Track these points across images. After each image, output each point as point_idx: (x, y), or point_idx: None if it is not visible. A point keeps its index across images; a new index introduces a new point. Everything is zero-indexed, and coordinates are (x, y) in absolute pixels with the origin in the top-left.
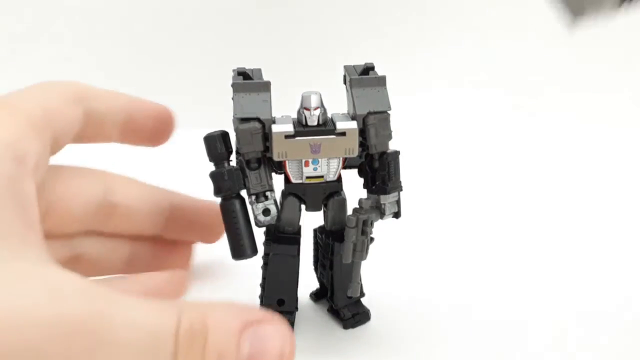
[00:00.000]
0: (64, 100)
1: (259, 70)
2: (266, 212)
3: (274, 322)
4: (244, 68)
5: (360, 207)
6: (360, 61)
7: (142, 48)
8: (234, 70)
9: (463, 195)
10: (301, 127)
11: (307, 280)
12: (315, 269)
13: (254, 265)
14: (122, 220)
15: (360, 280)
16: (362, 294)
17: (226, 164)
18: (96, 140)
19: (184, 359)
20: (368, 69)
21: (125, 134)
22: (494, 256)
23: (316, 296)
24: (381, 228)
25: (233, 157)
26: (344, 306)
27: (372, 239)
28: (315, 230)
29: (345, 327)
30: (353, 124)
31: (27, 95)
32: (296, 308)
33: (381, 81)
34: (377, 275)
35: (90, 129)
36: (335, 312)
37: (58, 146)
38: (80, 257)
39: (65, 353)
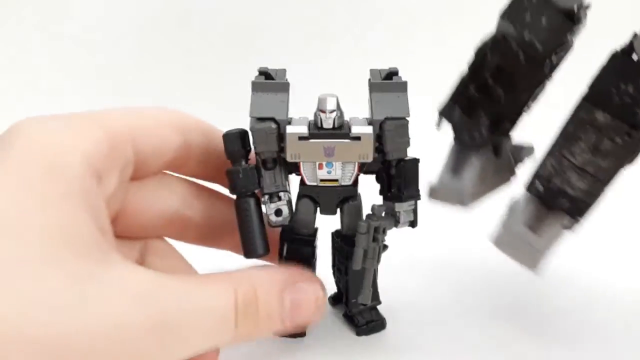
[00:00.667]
0: (159, 123)
1: (283, 71)
2: (278, 212)
3: (308, 278)
4: (267, 68)
5: (373, 213)
6: (392, 64)
7: (159, 54)
8: (258, 70)
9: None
10: (316, 130)
11: (327, 284)
12: (334, 273)
13: None
14: (192, 232)
15: (376, 287)
16: (379, 302)
17: (243, 162)
18: (187, 172)
19: (243, 326)
20: (392, 74)
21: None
22: (513, 265)
23: (334, 300)
24: (402, 236)
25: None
26: (359, 312)
27: (385, 247)
28: (332, 234)
29: (358, 334)
30: (369, 129)
31: (120, 114)
32: None
33: (402, 87)
34: (397, 283)
35: (188, 161)
36: (350, 318)
37: (149, 168)
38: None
39: (153, 348)
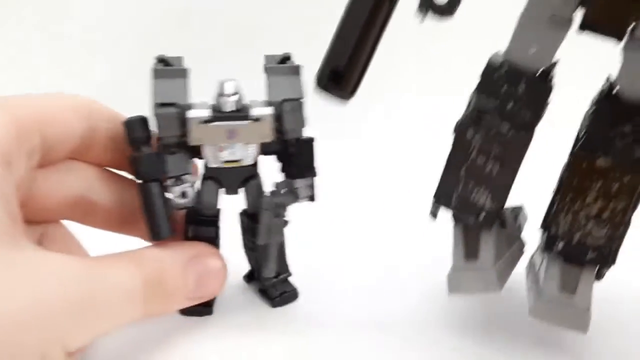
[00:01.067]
0: (64, 110)
1: (180, 58)
2: (184, 194)
3: (208, 252)
4: (164, 55)
5: (275, 190)
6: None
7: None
8: (155, 58)
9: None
10: (218, 113)
11: (243, 262)
12: (245, 251)
13: None
14: (99, 218)
15: (285, 259)
16: (289, 273)
17: (145, 148)
18: (93, 159)
19: (151, 302)
20: (285, 59)
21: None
22: (424, 240)
23: (248, 278)
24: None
25: None
26: (272, 285)
27: (286, 222)
28: (240, 214)
29: (273, 305)
30: (267, 110)
31: (26, 100)
32: None
33: (296, 70)
34: (306, 255)
35: (93, 147)
36: (264, 292)
37: (55, 154)
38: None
39: (66, 327)
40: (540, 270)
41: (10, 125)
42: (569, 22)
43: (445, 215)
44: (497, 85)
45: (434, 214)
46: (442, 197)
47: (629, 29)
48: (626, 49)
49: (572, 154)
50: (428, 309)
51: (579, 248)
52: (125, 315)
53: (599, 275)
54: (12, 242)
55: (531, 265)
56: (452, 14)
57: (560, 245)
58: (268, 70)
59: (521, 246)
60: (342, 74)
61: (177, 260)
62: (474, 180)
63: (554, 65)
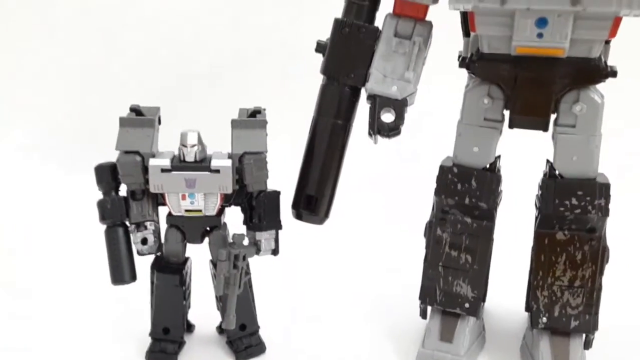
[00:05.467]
0: None
1: (156, 109)
2: (144, 241)
3: None
4: (138, 105)
5: (233, 242)
6: None
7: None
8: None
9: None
10: (179, 163)
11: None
12: (216, 301)
13: None
14: None
15: (253, 313)
16: (257, 327)
17: (113, 194)
18: None
19: None
20: (256, 112)
21: None
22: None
23: (220, 328)
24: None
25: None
26: (239, 338)
27: (247, 273)
28: (209, 262)
29: (237, 358)
30: (228, 162)
31: None
32: (181, 338)
33: (261, 124)
34: (274, 308)
35: None
36: (231, 344)
37: None
38: None
39: None
40: (533, 349)
41: None
42: (500, 122)
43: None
44: (452, 185)
45: (423, 315)
46: (427, 296)
47: (552, 120)
48: (554, 137)
49: (535, 234)
50: None
51: (562, 319)
52: None
53: (587, 345)
54: None
55: (524, 346)
56: (399, 133)
57: (544, 319)
58: (233, 123)
59: (484, 338)
60: (315, 199)
61: None
62: (452, 274)
63: (498, 158)
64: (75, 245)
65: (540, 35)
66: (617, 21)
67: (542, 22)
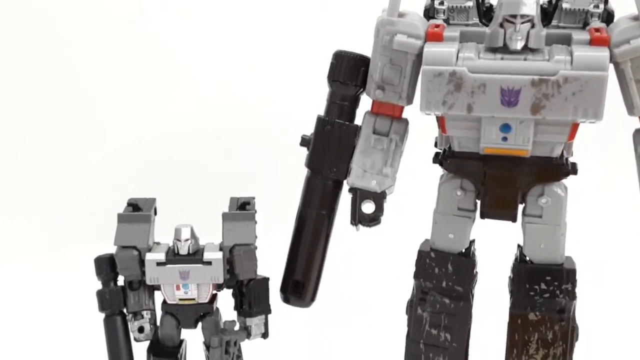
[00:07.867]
0: None
1: (152, 200)
2: (141, 329)
3: None
4: (135, 199)
5: (224, 328)
6: None
7: None
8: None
9: None
10: (173, 256)
11: None
12: None
13: None
14: None
15: None
16: None
17: (112, 284)
18: None
19: None
20: (245, 204)
21: None
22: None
23: None
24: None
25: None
26: None
27: (238, 357)
28: (203, 344)
29: None
30: (219, 254)
31: None
32: None
33: (250, 216)
34: None
35: None
36: None
37: None
38: None
39: None
40: None
41: None
42: (472, 212)
43: None
44: (430, 269)
45: None
46: None
47: (519, 211)
48: (522, 225)
49: (509, 314)
50: None
51: None
52: None
53: None
54: None
55: None
56: (379, 223)
57: None
58: (224, 216)
59: None
60: (301, 285)
61: None
62: (432, 350)
63: (472, 242)
64: (74, 334)
65: (504, 139)
66: (575, 126)
67: (506, 127)
